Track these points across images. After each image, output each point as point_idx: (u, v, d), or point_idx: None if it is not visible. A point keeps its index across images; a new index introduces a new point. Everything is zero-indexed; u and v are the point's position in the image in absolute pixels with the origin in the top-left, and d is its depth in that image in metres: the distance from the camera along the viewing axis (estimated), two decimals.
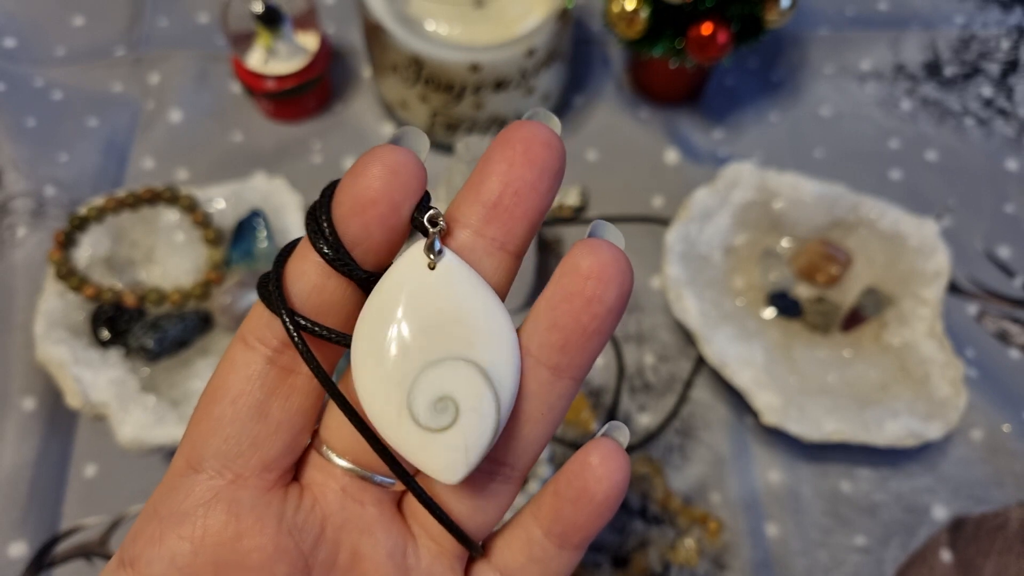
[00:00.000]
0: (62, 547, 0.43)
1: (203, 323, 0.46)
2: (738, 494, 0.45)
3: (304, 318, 0.18)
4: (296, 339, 0.17)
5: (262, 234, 0.47)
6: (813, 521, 0.44)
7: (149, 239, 0.48)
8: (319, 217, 0.17)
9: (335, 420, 0.20)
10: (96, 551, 0.43)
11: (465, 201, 0.18)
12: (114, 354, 0.44)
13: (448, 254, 0.18)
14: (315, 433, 0.20)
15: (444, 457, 0.18)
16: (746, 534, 0.44)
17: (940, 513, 0.44)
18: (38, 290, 0.48)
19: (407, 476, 0.19)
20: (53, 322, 0.44)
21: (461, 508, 0.20)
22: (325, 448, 0.20)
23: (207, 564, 0.18)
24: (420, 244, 0.18)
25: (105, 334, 0.44)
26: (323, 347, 0.18)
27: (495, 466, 0.19)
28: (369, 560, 0.19)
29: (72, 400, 0.42)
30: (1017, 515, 0.44)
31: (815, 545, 0.43)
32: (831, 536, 0.44)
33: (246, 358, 0.18)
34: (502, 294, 0.18)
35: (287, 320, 0.17)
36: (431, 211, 0.17)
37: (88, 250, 0.46)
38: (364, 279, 0.18)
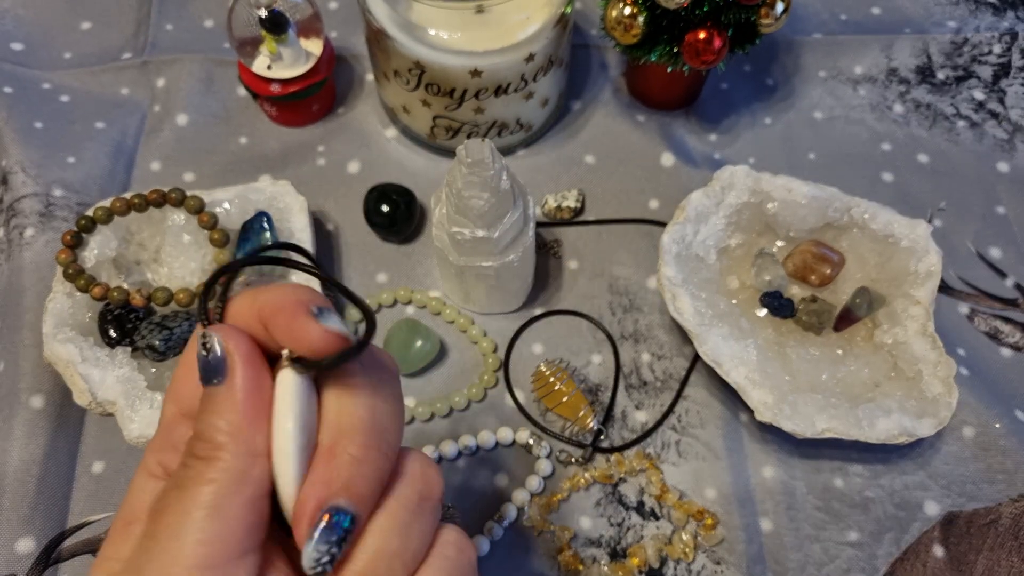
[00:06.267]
0: (69, 543, 0.43)
1: None
2: (733, 490, 0.45)
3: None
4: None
5: (267, 235, 0.47)
6: (806, 516, 0.45)
7: (156, 240, 0.49)
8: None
9: None
10: None
11: None
12: (121, 353, 0.45)
13: None
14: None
15: None
16: (741, 529, 0.44)
17: (932, 509, 0.45)
18: (46, 290, 0.48)
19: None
20: (61, 321, 0.44)
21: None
22: None
23: None
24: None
25: (112, 333, 0.45)
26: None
27: None
28: None
29: (80, 398, 0.43)
30: (1008, 511, 0.45)
31: (808, 540, 0.44)
32: (824, 531, 0.44)
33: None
34: None
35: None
36: None
37: (96, 250, 0.47)
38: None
